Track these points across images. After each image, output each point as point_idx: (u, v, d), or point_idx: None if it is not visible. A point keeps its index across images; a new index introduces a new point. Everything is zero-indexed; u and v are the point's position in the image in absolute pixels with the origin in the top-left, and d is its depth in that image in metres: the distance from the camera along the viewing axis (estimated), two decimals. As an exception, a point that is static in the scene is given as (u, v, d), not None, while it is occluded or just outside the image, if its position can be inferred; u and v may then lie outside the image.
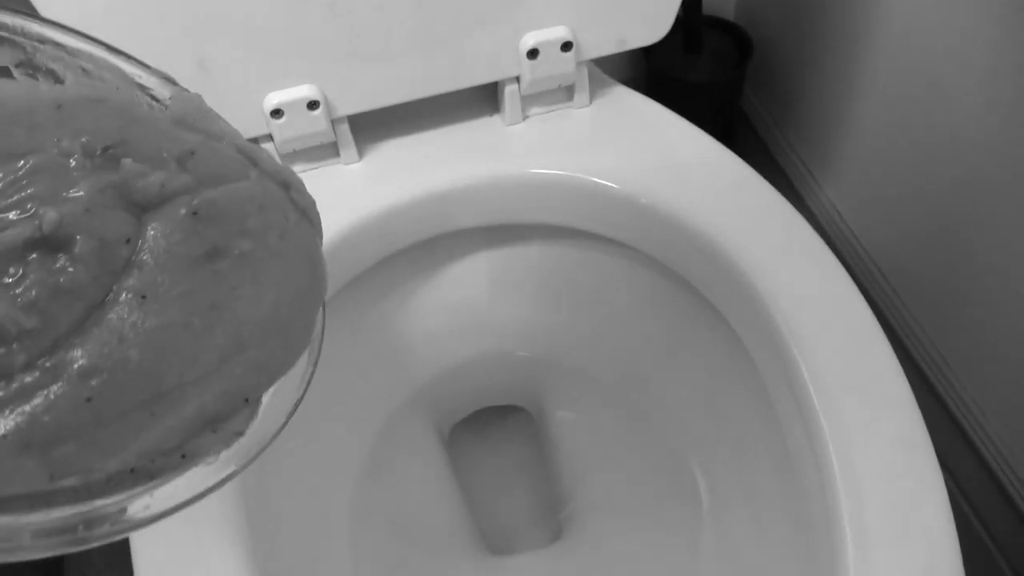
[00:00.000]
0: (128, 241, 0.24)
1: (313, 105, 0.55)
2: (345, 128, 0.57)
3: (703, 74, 0.94)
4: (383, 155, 0.59)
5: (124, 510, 0.22)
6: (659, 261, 0.58)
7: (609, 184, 0.56)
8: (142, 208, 0.25)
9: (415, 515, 0.64)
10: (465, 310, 0.64)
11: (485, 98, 0.62)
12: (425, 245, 0.59)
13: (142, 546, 0.44)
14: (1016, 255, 0.68)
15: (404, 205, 0.57)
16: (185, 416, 0.24)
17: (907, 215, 0.80)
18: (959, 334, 0.77)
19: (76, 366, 0.22)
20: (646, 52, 0.94)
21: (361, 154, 0.59)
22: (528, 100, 0.60)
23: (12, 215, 0.23)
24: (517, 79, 0.59)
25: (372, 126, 0.60)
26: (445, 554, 0.64)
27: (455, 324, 0.65)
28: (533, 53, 0.57)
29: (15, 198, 0.23)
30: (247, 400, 0.25)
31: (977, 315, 0.74)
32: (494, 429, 0.74)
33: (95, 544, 0.22)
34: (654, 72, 0.94)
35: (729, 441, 0.60)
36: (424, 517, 0.65)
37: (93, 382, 0.22)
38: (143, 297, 0.24)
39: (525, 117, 0.61)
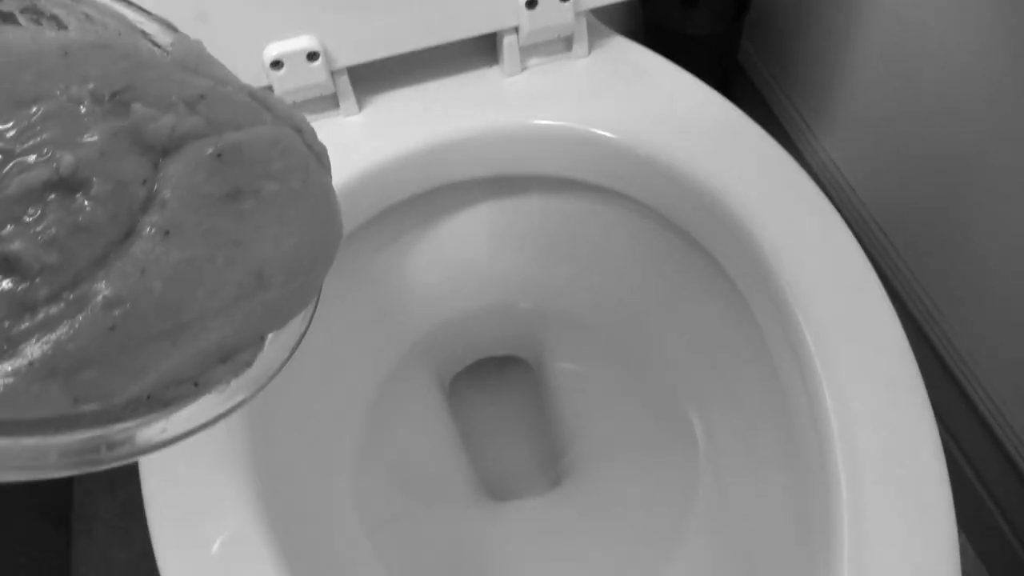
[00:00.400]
0: (144, 182, 0.25)
1: (313, 56, 0.55)
2: (345, 80, 0.57)
3: (700, 27, 0.94)
4: (382, 107, 0.59)
5: (143, 433, 0.24)
6: (658, 211, 0.58)
7: (607, 134, 0.57)
8: (156, 151, 0.26)
9: (416, 463, 0.66)
10: (465, 262, 0.65)
11: (484, 49, 0.61)
12: (425, 197, 0.60)
13: (153, 493, 0.45)
14: (1010, 205, 0.68)
15: (404, 157, 0.57)
16: (203, 348, 0.25)
17: (903, 167, 0.80)
18: (953, 283, 0.78)
19: (100, 297, 0.23)
20: (643, 4, 0.93)
21: (361, 106, 0.59)
22: (527, 51, 0.60)
23: (30, 159, 0.24)
24: (516, 30, 0.59)
25: (372, 78, 0.60)
26: (446, 500, 0.65)
27: (455, 276, 0.65)
28: (532, 3, 0.57)
29: (30, 143, 0.24)
30: (263, 337, 0.26)
31: (971, 265, 0.75)
32: (494, 379, 0.75)
33: (117, 464, 0.23)
34: (651, 25, 0.94)
35: (726, 388, 0.61)
36: (425, 465, 0.66)
37: (116, 312, 0.23)
38: (166, 233, 0.25)
39: (524, 68, 0.61)
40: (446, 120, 0.58)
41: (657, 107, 0.58)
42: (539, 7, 0.57)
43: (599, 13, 0.62)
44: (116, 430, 0.23)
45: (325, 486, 0.61)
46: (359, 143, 0.57)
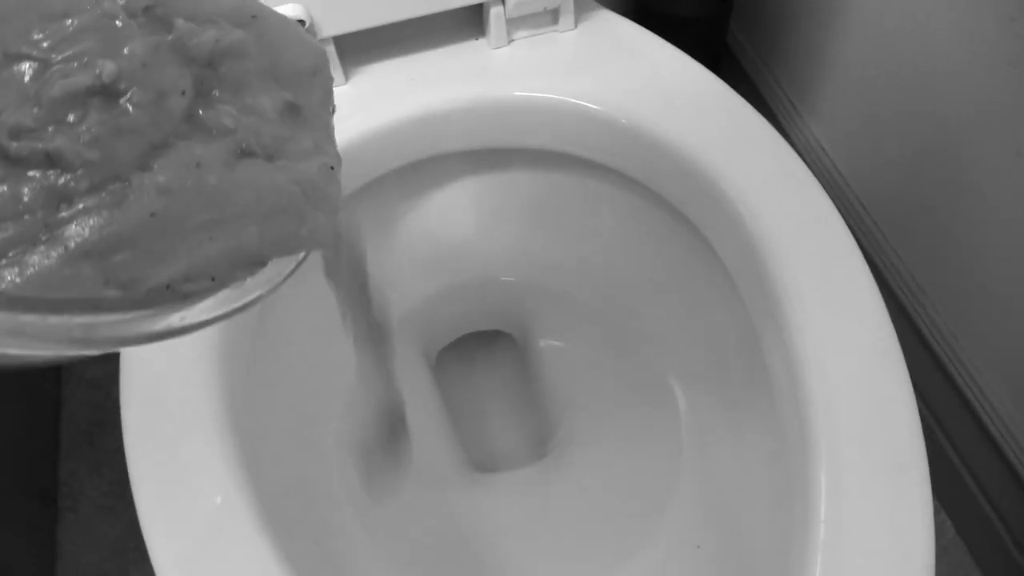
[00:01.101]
0: (183, 93, 0.26)
1: (299, 25, 0.55)
2: (331, 50, 0.57)
3: (689, 9, 0.94)
4: (369, 78, 0.59)
5: (162, 320, 0.25)
6: (643, 184, 0.59)
7: (593, 106, 0.57)
8: (200, 64, 0.27)
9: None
10: (451, 235, 0.65)
11: (470, 21, 0.62)
12: (411, 169, 0.60)
13: (140, 467, 0.45)
14: (996, 189, 0.69)
15: (390, 128, 0.57)
16: (237, 248, 0.26)
17: (890, 150, 0.81)
18: (938, 265, 0.78)
19: (150, 183, 0.25)
20: (632, -15, 0.93)
21: (347, 77, 0.59)
22: (513, 23, 0.60)
23: (72, 66, 0.25)
24: (502, 1, 0.59)
25: (358, 49, 0.60)
26: (432, 472, 0.65)
27: (441, 249, 0.65)
28: (518, -26, 0.57)
29: (70, 52, 0.25)
30: (292, 248, 0.27)
31: (956, 247, 0.75)
32: (481, 354, 0.76)
33: (136, 345, 0.24)
34: (640, 6, 0.94)
35: (710, 361, 0.61)
36: (412, 437, 0.66)
37: (163, 200, 0.25)
38: (226, 133, 0.26)
39: (510, 40, 0.61)
40: (432, 92, 0.58)
41: (643, 80, 0.58)
42: (525, -22, 0.57)
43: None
44: (137, 315, 0.24)
45: (311, 458, 0.61)
46: (346, 114, 0.57)
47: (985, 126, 0.68)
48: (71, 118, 0.24)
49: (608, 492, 0.63)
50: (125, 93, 0.25)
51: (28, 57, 0.25)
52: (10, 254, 0.23)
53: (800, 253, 0.51)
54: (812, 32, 0.87)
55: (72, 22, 0.25)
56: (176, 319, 0.25)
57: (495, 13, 0.59)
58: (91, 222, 0.24)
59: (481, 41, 0.61)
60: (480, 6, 0.60)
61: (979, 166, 0.70)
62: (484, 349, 0.76)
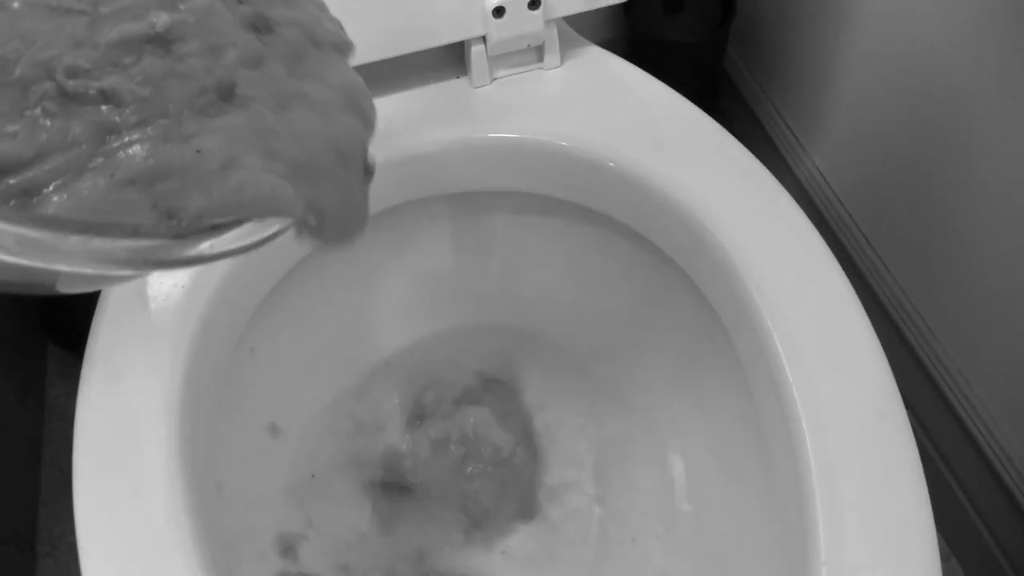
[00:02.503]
0: (235, 46, 0.28)
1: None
2: (304, 92, 0.55)
3: (685, 33, 0.92)
4: (345, 120, 0.57)
5: (194, 247, 0.26)
6: (631, 228, 0.56)
7: (578, 148, 0.54)
8: (257, 29, 0.29)
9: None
10: (431, 280, 0.63)
11: (452, 59, 0.59)
12: (389, 214, 0.57)
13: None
14: (1002, 223, 0.66)
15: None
16: (271, 196, 0.27)
17: (893, 180, 0.78)
18: (944, 300, 0.76)
19: (197, 123, 0.26)
20: (626, 10, 0.91)
21: (322, 119, 0.57)
22: (496, 61, 0.58)
23: (128, 16, 0.27)
24: (484, 39, 0.56)
25: (334, 89, 0.58)
26: (420, 531, 0.62)
27: (421, 295, 0.63)
28: (499, 11, 0.55)
29: (121, 5, 0.27)
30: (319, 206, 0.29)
31: (962, 283, 0.73)
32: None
33: (171, 268, 0.26)
34: (634, 31, 0.92)
35: (702, 410, 0.59)
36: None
37: (208, 138, 0.26)
38: (285, 94, 0.29)
39: (493, 79, 0.58)
40: (411, 134, 0.56)
41: (632, 120, 0.56)
42: (507, 15, 0.55)
43: (578, 21, 0.59)
44: (172, 243, 0.26)
45: (276, 502, 0.58)
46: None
47: (991, 159, 0.65)
48: (126, 61, 0.26)
49: (600, 550, 0.60)
50: (179, 42, 0.27)
51: (77, 11, 0.26)
52: (58, 181, 0.24)
53: (795, 304, 0.48)
54: (813, 58, 0.85)
55: None
56: (206, 246, 0.26)
57: (476, 51, 0.57)
58: (139, 151, 0.25)
59: (463, 80, 0.58)
60: (461, 44, 0.57)
61: (985, 200, 0.67)
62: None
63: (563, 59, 0.59)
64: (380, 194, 0.56)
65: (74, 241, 0.24)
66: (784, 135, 0.93)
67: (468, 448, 0.62)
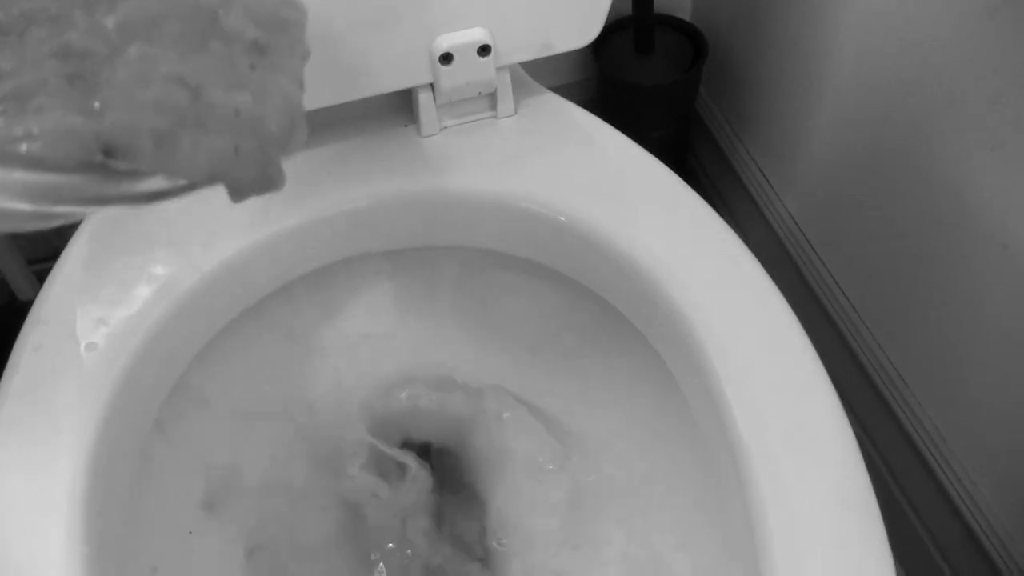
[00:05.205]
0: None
1: None
2: (239, 140, 0.52)
3: (655, 76, 0.89)
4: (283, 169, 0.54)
5: (136, 185, 0.29)
6: (584, 286, 0.53)
7: (529, 203, 0.51)
8: None
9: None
10: (370, 341, 0.59)
11: (399, 107, 0.56)
12: (324, 272, 0.54)
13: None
14: (982, 278, 0.64)
15: (303, 228, 0.51)
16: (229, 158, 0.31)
17: (868, 228, 0.76)
18: (919, 352, 0.74)
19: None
20: (595, 53, 0.89)
21: (259, 169, 0.53)
22: (445, 109, 0.55)
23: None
24: (431, 87, 0.53)
25: (273, 137, 0.54)
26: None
27: (361, 359, 0.59)
28: (447, 58, 0.52)
29: None
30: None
31: (938, 335, 0.70)
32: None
33: (119, 205, 0.29)
34: (603, 74, 0.89)
35: (663, 490, 0.55)
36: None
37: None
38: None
39: (443, 128, 0.55)
40: (352, 186, 0.52)
41: (588, 173, 0.53)
42: (455, 62, 0.52)
43: (546, 64, 0.56)
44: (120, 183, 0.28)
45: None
46: (252, 211, 0.51)
47: (969, 212, 0.63)
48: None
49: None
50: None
51: None
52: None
53: (756, 375, 0.45)
54: (783, 101, 0.83)
55: None
56: (150, 185, 0.29)
57: (424, 99, 0.54)
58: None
59: (410, 128, 0.55)
60: (409, 91, 0.54)
61: (963, 254, 0.65)
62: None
63: (517, 107, 0.56)
64: (313, 254, 0.53)
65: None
66: (756, 179, 0.90)
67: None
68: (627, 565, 0.55)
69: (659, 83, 0.89)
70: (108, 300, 0.47)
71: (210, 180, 0.30)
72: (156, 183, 0.29)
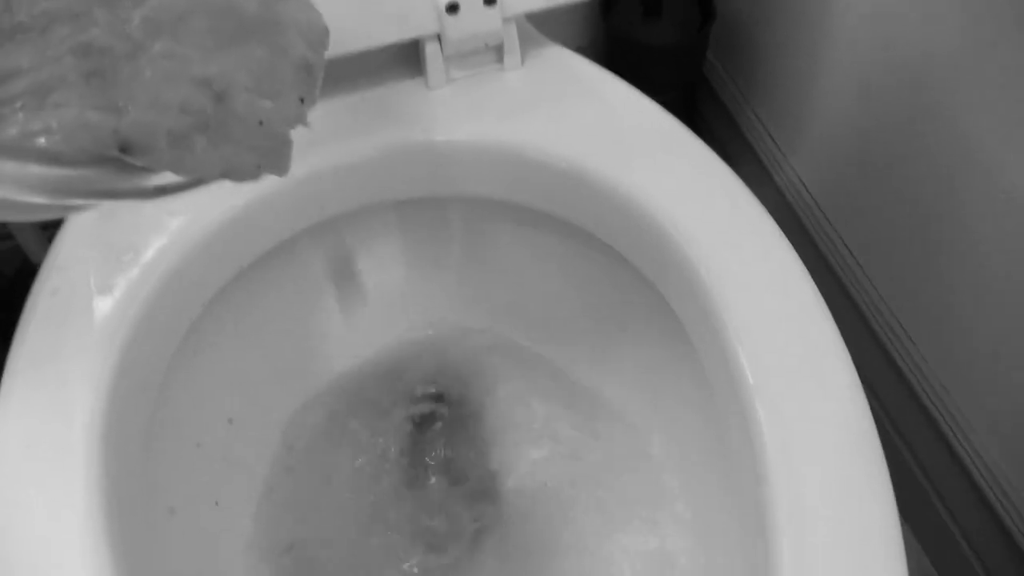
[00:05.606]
0: None
1: None
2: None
3: (664, 37, 0.89)
4: (292, 122, 0.54)
5: (149, 180, 0.30)
6: (593, 234, 0.53)
7: (536, 152, 0.52)
8: None
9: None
10: (381, 293, 0.59)
11: (407, 59, 0.56)
12: (337, 221, 0.54)
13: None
14: (986, 233, 0.64)
15: (313, 178, 0.52)
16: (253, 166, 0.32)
17: (875, 189, 0.76)
18: (924, 310, 0.74)
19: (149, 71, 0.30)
20: (604, 13, 0.89)
21: (268, 121, 0.54)
22: (452, 61, 0.55)
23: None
24: (438, 37, 0.53)
25: (282, 90, 0.55)
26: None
27: (371, 309, 0.60)
28: (453, 8, 0.52)
29: None
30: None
31: (943, 294, 0.70)
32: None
33: (129, 199, 0.30)
34: (612, 35, 0.89)
35: (671, 430, 0.56)
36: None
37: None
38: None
39: (450, 80, 0.55)
40: (361, 137, 0.53)
41: (594, 122, 0.53)
42: (462, 12, 0.52)
43: (554, 25, 0.56)
44: (132, 178, 0.29)
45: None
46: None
47: (973, 164, 0.63)
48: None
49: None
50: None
51: None
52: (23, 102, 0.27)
53: (763, 319, 0.46)
54: (791, 62, 0.83)
55: None
56: (159, 179, 0.30)
57: (431, 50, 0.54)
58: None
59: (418, 80, 0.56)
60: (416, 42, 0.54)
61: (968, 207, 0.65)
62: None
63: (524, 59, 0.56)
64: (323, 204, 0.53)
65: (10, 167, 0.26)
66: (764, 142, 0.90)
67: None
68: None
69: (667, 45, 0.89)
70: (122, 247, 0.47)
71: (220, 178, 0.31)
72: (165, 178, 0.30)
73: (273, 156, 0.32)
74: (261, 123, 0.31)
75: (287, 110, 0.33)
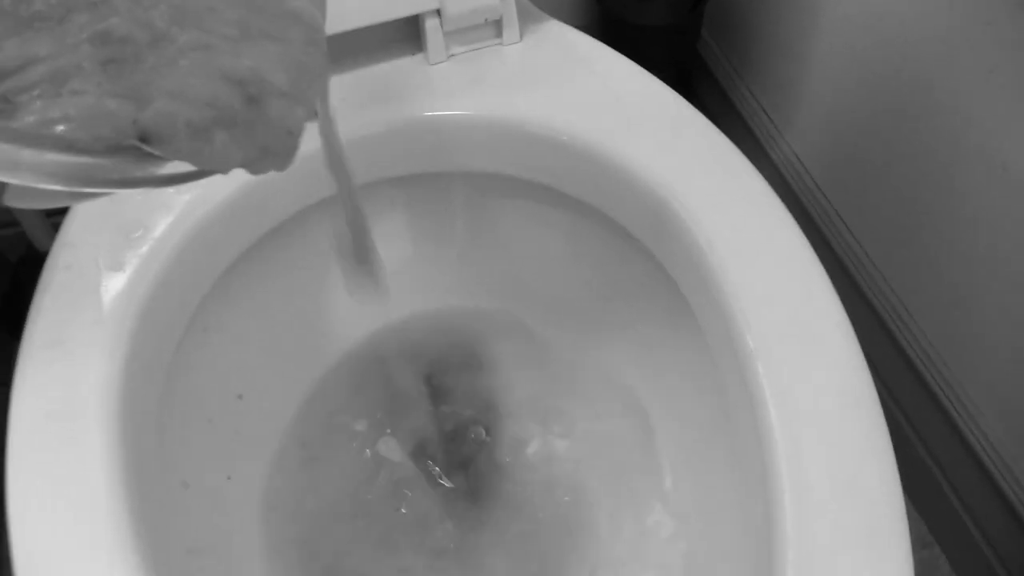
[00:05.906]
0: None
1: None
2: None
3: (658, 17, 0.90)
4: (295, 99, 0.55)
5: (158, 168, 0.29)
6: (595, 207, 0.54)
7: (537, 126, 0.52)
8: None
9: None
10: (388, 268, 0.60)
11: (407, 35, 0.57)
12: (337, 200, 0.55)
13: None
14: (981, 203, 0.65)
15: (314, 156, 0.52)
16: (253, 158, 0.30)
17: (870, 163, 0.76)
18: (920, 281, 0.74)
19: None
20: (598, -6, 0.89)
21: (270, 99, 0.54)
22: (452, 36, 0.56)
23: None
24: (438, 12, 0.54)
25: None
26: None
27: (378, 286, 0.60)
28: (452, -17, 0.52)
29: None
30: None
31: (941, 265, 0.71)
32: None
33: (143, 187, 0.29)
34: (607, 15, 0.90)
35: (669, 396, 0.57)
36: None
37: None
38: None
39: (450, 55, 0.56)
40: (362, 113, 0.53)
41: (593, 96, 0.54)
42: (461, -13, 0.53)
43: (549, 5, 0.57)
44: (147, 166, 0.28)
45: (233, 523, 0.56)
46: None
47: (968, 137, 0.64)
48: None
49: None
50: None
51: None
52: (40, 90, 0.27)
53: (764, 288, 0.46)
54: (786, 41, 0.83)
55: None
56: (168, 167, 0.29)
57: (431, 26, 0.54)
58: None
59: (418, 56, 0.56)
60: (416, 18, 0.55)
61: (963, 180, 0.66)
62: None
63: (523, 34, 0.57)
64: (324, 182, 0.54)
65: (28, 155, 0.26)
66: (760, 119, 0.91)
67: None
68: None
69: (661, 24, 0.89)
70: (131, 223, 0.48)
71: (230, 170, 0.30)
72: (176, 167, 0.29)
73: (284, 156, 0.31)
74: (290, 133, 0.30)
75: (309, 116, 0.32)
